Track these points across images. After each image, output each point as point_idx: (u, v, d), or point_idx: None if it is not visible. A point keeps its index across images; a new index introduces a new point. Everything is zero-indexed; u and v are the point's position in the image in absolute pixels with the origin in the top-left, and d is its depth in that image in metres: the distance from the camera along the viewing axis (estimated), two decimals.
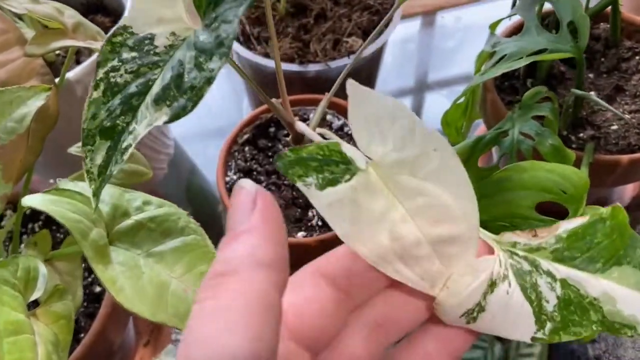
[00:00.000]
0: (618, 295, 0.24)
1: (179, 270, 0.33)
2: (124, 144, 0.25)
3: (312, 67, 0.56)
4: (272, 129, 0.54)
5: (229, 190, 0.51)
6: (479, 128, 0.68)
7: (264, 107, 0.55)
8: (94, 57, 0.47)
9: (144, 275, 0.31)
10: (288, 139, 0.52)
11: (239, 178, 0.52)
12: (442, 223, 0.22)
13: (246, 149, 0.53)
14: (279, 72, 0.43)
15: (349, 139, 0.53)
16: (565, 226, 0.25)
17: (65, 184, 0.33)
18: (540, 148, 0.43)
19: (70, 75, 0.50)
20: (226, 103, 0.83)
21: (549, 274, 0.24)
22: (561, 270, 0.24)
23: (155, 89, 0.25)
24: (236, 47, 0.59)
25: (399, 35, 0.89)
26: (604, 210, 0.25)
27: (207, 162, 0.80)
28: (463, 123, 0.54)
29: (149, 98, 0.25)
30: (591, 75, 0.57)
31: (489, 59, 0.52)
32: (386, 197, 0.22)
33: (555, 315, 0.24)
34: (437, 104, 0.85)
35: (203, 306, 0.17)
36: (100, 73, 0.26)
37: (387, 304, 0.24)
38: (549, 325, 0.23)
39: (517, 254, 0.24)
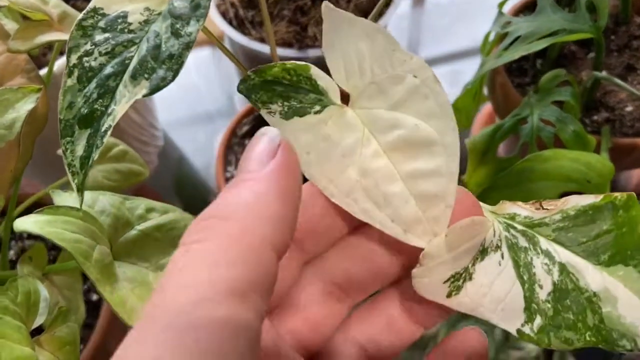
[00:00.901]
0: (621, 296, 0.21)
1: None
2: (103, 127, 0.24)
3: (312, 52, 0.53)
4: None
5: None
6: (482, 111, 0.65)
7: None
8: None
9: None
10: None
11: None
12: (419, 157, 0.20)
13: (247, 142, 0.50)
14: (275, 59, 0.40)
15: None
16: (575, 201, 0.22)
17: (59, 195, 0.30)
18: (562, 135, 0.41)
19: (55, 67, 0.47)
20: (215, 89, 0.80)
21: (547, 254, 0.21)
22: (561, 254, 0.21)
23: (133, 65, 0.24)
24: (229, 31, 0.56)
25: (401, 5, 0.86)
26: (619, 196, 0.22)
27: (197, 149, 0.77)
28: (472, 108, 0.51)
29: (126, 76, 0.24)
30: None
31: (499, 41, 0.50)
32: (360, 131, 0.21)
33: (547, 307, 0.21)
34: None
35: (188, 249, 0.16)
36: (73, 59, 0.25)
37: (347, 257, 0.22)
38: (538, 320, 0.21)
39: (514, 227, 0.21)
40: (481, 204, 0.22)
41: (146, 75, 0.24)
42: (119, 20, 0.25)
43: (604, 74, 0.43)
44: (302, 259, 0.22)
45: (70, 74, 0.25)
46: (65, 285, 0.33)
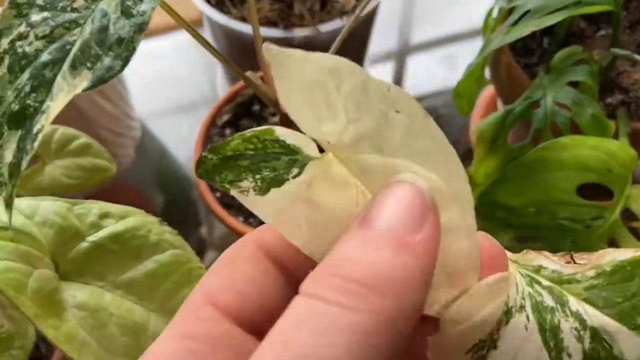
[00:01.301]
0: None
1: (159, 299, 0.26)
2: (35, 129, 0.21)
3: (299, 32, 0.49)
4: (256, 107, 0.47)
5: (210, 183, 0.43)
6: (482, 96, 0.61)
7: (243, 83, 0.47)
8: None
9: (112, 318, 0.24)
10: (276, 119, 0.44)
11: None
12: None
13: (227, 132, 0.46)
14: (258, 39, 0.36)
15: None
16: (612, 256, 0.19)
17: None
18: (579, 120, 0.37)
19: None
20: (197, 74, 0.76)
21: (577, 317, 0.18)
22: (593, 316, 0.18)
23: (74, 52, 0.21)
24: (207, 10, 0.51)
25: None
26: None
27: (179, 142, 0.73)
28: (474, 92, 0.47)
29: (66, 65, 0.21)
30: (611, 31, 0.51)
31: (505, 17, 0.45)
32: (352, 187, 0.18)
33: None
34: (423, 66, 0.78)
35: (324, 309, 0.14)
36: (4, 44, 0.22)
37: None
38: None
39: (539, 282, 0.18)
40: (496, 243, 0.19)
41: (89, 65, 0.21)
42: None
43: (625, 51, 0.39)
44: (297, 285, 0.19)
45: (0, 62, 0.22)
46: (12, 303, 0.28)
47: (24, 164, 0.20)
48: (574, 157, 0.35)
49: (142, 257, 0.26)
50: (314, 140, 0.18)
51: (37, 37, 0.22)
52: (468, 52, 0.63)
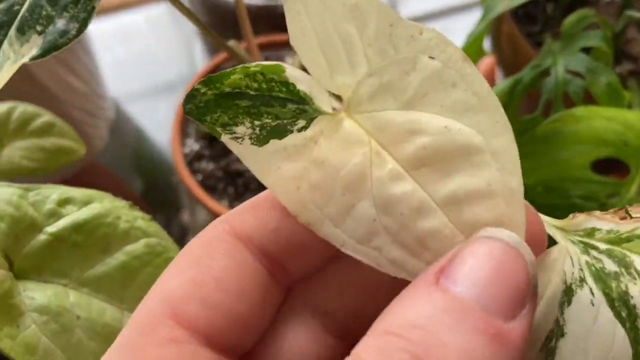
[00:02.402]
0: None
1: (132, 296, 0.23)
2: None
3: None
4: None
5: (190, 164, 0.40)
6: (479, 67, 0.58)
7: (224, 54, 0.44)
8: None
9: (78, 322, 0.20)
10: None
11: (202, 147, 0.41)
12: (458, 173, 0.15)
13: None
14: (240, 7, 0.33)
15: None
16: None
17: None
18: (593, 89, 0.34)
19: None
20: (174, 51, 0.73)
21: None
22: None
23: (22, 13, 0.19)
24: None
25: None
26: None
27: (157, 124, 0.70)
28: (476, 62, 0.44)
29: (13, 30, 0.19)
30: None
31: None
32: (366, 146, 0.15)
33: None
34: None
35: None
36: None
37: (338, 278, 0.16)
38: None
39: (596, 247, 0.16)
40: (545, 218, 0.16)
41: (39, 28, 0.19)
42: None
43: (638, 13, 0.36)
44: (286, 283, 0.15)
45: None
46: None
47: None
48: (588, 129, 0.33)
49: (111, 249, 0.23)
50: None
51: None
52: (463, 26, 0.61)
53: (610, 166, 0.36)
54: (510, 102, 0.34)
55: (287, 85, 0.15)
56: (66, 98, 0.50)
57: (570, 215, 0.17)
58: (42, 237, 0.21)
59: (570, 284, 0.16)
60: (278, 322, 0.15)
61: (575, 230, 0.17)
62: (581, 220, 0.17)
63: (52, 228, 0.21)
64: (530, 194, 0.36)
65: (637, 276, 0.16)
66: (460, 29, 0.71)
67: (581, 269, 0.16)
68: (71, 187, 0.22)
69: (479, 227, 0.15)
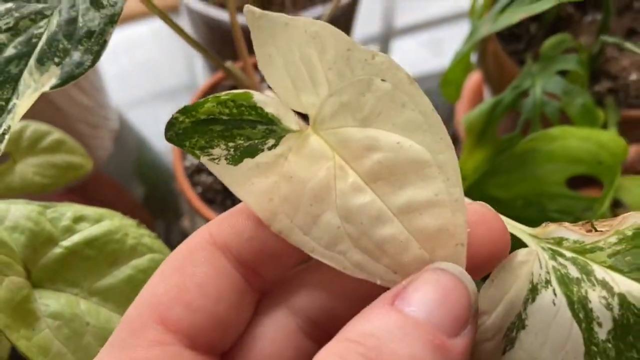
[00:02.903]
0: None
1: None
2: (1, 129, 0.20)
3: None
4: None
5: (190, 177, 0.42)
6: (468, 82, 0.60)
7: (222, 73, 0.46)
8: None
9: (88, 328, 0.22)
10: None
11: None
12: (410, 185, 0.16)
13: None
14: (235, 27, 0.35)
15: None
16: (633, 220, 0.18)
17: None
18: (569, 110, 0.36)
19: None
20: (175, 61, 0.74)
21: (604, 285, 0.18)
22: (620, 282, 0.18)
23: (41, 45, 0.20)
24: None
25: None
26: None
27: (159, 131, 0.70)
28: (462, 80, 0.46)
29: (32, 60, 0.20)
30: (599, 17, 0.50)
31: (491, 3, 0.44)
32: (330, 160, 0.17)
33: (608, 348, 0.17)
34: (408, 50, 0.77)
35: None
36: None
37: (313, 282, 0.18)
38: None
39: (562, 254, 0.18)
40: (519, 225, 0.18)
41: (56, 60, 0.20)
42: None
43: (615, 39, 0.38)
44: (260, 287, 0.17)
45: None
46: None
47: None
48: (563, 148, 0.35)
49: (119, 263, 0.25)
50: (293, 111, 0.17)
51: (0, 30, 0.21)
52: (455, 35, 0.63)
53: (588, 181, 0.38)
54: (491, 121, 0.36)
55: (256, 109, 0.17)
56: (72, 112, 0.52)
57: (543, 224, 0.19)
58: (57, 250, 0.23)
59: (537, 284, 0.17)
60: (255, 323, 0.17)
61: (546, 238, 0.18)
62: (552, 229, 0.18)
63: (66, 242, 0.23)
64: (511, 207, 0.38)
65: (596, 283, 0.18)
66: (450, 37, 0.73)
67: (548, 272, 0.18)
68: (84, 206, 0.24)
69: (430, 232, 0.16)
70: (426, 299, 0.14)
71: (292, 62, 0.16)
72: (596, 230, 0.18)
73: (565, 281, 0.18)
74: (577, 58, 0.37)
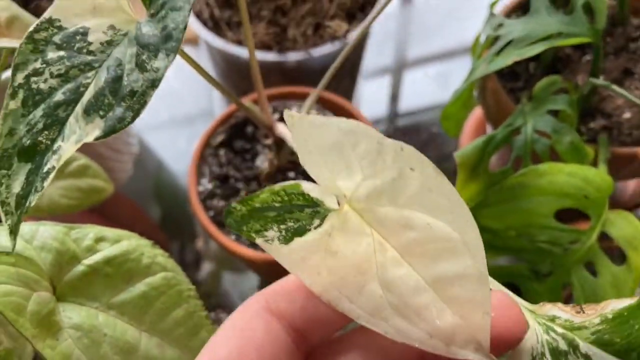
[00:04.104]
0: None
1: (149, 320, 0.28)
2: (46, 167, 0.21)
3: (292, 56, 0.50)
4: (249, 129, 0.48)
5: (203, 201, 0.45)
6: (471, 117, 0.62)
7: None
8: None
9: (105, 338, 0.25)
10: (269, 141, 0.46)
11: (214, 186, 0.45)
12: (442, 259, 0.18)
13: (221, 152, 0.47)
14: (254, 64, 0.38)
15: None
16: (613, 305, 0.22)
17: None
18: (558, 147, 0.38)
19: (3, 76, 0.43)
20: (194, 88, 0.77)
21: (586, 357, 0.21)
22: (599, 356, 0.21)
23: (88, 96, 0.21)
24: (204, 34, 0.52)
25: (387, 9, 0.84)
26: None
27: (177, 155, 0.74)
28: (462, 115, 0.49)
29: (79, 108, 0.22)
30: None
31: (490, 44, 0.47)
32: (369, 236, 0.19)
33: None
34: (419, 83, 0.80)
35: None
36: (19, 78, 0.22)
37: (357, 344, 0.19)
38: None
39: (554, 330, 0.21)
40: (521, 300, 0.21)
41: (101, 113, 0.21)
42: (78, 38, 0.22)
43: (601, 80, 0.41)
44: (306, 350, 0.19)
45: (13, 95, 0.22)
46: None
47: (32, 199, 0.20)
48: (551, 183, 0.37)
49: (134, 280, 0.27)
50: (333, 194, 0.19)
51: (52, 75, 0.22)
52: (462, 69, 0.65)
53: (577, 213, 0.40)
54: (484, 157, 0.38)
55: (303, 195, 0.19)
56: None
57: (541, 303, 0.22)
58: (80, 268, 0.26)
59: (535, 356, 0.20)
60: None
61: (542, 314, 0.21)
62: (547, 308, 0.21)
63: (88, 261, 0.26)
64: (503, 237, 0.40)
65: (580, 356, 0.21)
66: (459, 70, 0.76)
67: (543, 346, 0.21)
68: (105, 227, 0.27)
69: (461, 301, 0.18)
70: None
71: (329, 154, 0.19)
72: (584, 312, 0.21)
73: (556, 354, 0.21)
74: (567, 98, 0.39)
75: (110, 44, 0.22)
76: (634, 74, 0.51)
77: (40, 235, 0.25)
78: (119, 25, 0.22)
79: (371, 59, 0.82)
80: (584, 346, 0.21)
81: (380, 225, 0.19)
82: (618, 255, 0.39)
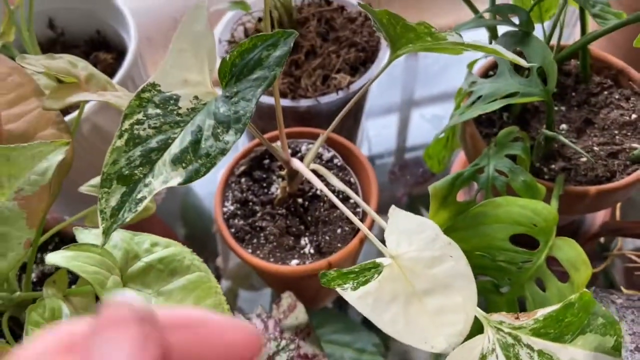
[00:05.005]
0: (581, 358, 0.30)
1: (187, 305, 0.37)
2: (139, 195, 0.27)
3: (303, 102, 0.60)
4: (266, 161, 0.58)
5: (227, 220, 0.54)
6: (458, 156, 0.72)
7: (258, 141, 0.58)
8: (99, 98, 0.50)
9: None
10: (283, 172, 0.55)
11: (235, 208, 0.55)
12: (447, 310, 0.29)
13: (242, 180, 0.56)
14: (278, 110, 0.46)
15: (338, 170, 0.57)
16: (542, 312, 0.32)
17: (81, 232, 0.36)
18: (513, 184, 0.47)
19: (67, 118, 0.53)
20: None
21: (528, 346, 0.30)
22: (538, 343, 0.31)
23: (174, 149, 0.26)
24: None
25: (385, 61, 0.93)
26: (573, 297, 0.32)
27: (203, 181, 0.82)
28: (444, 155, 0.58)
29: (167, 155, 0.26)
30: (563, 108, 0.62)
31: (467, 97, 0.56)
32: (403, 281, 0.29)
33: None
34: (421, 128, 0.89)
35: None
36: (126, 124, 0.27)
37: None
38: None
39: (502, 330, 0.31)
40: (478, 309, 0.31)
41: (184, 165, 0.26)
42: (171, 102, 0.27)
43: (552, 133, 0.50)
44: None
45: (120, 136, 0.27)
46: (82, 306, 0.39)
47: (127, 216, 0.26)
48: (506, 213, 0.45)
49: (178, 276, 0.36)
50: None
51: (150, 126, 0.27)
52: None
53: (530, 239, 0.48)
54: (452, 191, 0.47)
55: (375, 264, 0.30)
56: None
57: (491, 313, 0.31)
58: (140, 263, 0.35)
59: (485, 353, 0.30)
60: None
61: (492, 320, 0.31)
62: (496, 316, 0.31)
63: (146, 259, 0.35)
64: (470, 257, 0.48)
65: (523, 345, 0.30)
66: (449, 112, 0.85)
67: (494, 343, 0.30)
68: (157, 236, 0.37)
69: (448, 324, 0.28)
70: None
71: (403, 232, 0.30)
72: (519, 319, 0.31)
73: (505, 346, 0.30)
74: (521, 146, 0.48)
75: (194, 110, 0.27)
76: (594, 123, 0.60)
77: (114, 238, 0.35)
78: (201, 96, 0.27)
79: (378, 104, 0.91)
80: (525, 338, 0.30)
81: (413, 275, 0.29)
82: (563, 274, 0.48)
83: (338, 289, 0.29)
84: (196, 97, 0.28)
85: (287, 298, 0.53)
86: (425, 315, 0.28)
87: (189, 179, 0.26)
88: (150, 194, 0.26)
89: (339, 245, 0.52)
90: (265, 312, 0.53)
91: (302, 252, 0.52)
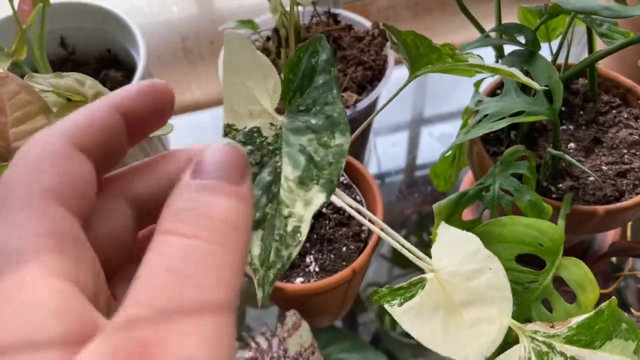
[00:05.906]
0: None
1: None
2: (289, 228, 0.25)
3: None
4: None
5: None
6: (467, 174, 0.71)
7: None
8: None
9: None
10: None
11: None
12: (482, 322, 0.30)
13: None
14: None
15: (344, 188, 0.57)
16: (576, 320, 0.33)
17: None
18: (519, 203, 0.47)
19: None
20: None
21: (562, 353, 0.32)
22: (571, 350, 0.32)
23: (288, 174, 0.26)
24: None
25: (394, 78, 0.94)
26: (603, 304, 0.34)
27: None
28: (451, 173, 0.58)
29: (284, 183, 0.26)
30: (571, 127, 0.61)
31: (474, 115, 0.56)
32: (443, 294, 0.30)
33: None
34: (430, 146, 0.89)
35: (166, 240, 0.16)
36: None
37: (148, 174, 0.23)
38: None
39: (537, 339, 0.32)
40: (514, 322, 0.31)
41: (315, 181, 0.25)
42: (255, 135, 0.26)
43: (558, 152, 0.49)
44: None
45: None
46: None
47: (282, 268, 0.24)
48: (511, 232, 0.45)
49: None
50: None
51: (253, 164, 0.26)
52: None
53: (536, 259, 0.48)
54: (456, 210, 0.47)
55: (422, 279, 0.31)
56: None
57: (525, 324, 0.32)
58: None
59: None
60: (100, 209, 0.21)
61: (527, 329, 0.32)
62: (530, 326, 0.32)
63: None
64: None
65: (557, 353, 0.31)
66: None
67: (529, 352, 0.31)
68: None
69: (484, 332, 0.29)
70: (214, 164, 0.18)
71: (449, 247, 0.32)
72: (553, 327, 0.32)
73: (539, 354, 0.31)
74: (527, 165, 0.48)
75: (277, 136, 0.26)
76: (603, 142, 0.59)
77: None
78: (273, 121, 0.27)
79: (387, 121, 0.91)
80: (559, 346, 0.31)
81: (451, 288, 0.30)
82: (570, 295, 0.47)
83: (386, 306, 0.31)
84: (272, 124, 0.27)
85: (292, 316, 0.53)
86: (463, 327, 0.29)
87: (330, 191, 0.25)
88: (302, 222, 0.25)
89: (344, 263, 0.51)
90: (270, 331, 0.53)
91: (307, 270, 0.52)
